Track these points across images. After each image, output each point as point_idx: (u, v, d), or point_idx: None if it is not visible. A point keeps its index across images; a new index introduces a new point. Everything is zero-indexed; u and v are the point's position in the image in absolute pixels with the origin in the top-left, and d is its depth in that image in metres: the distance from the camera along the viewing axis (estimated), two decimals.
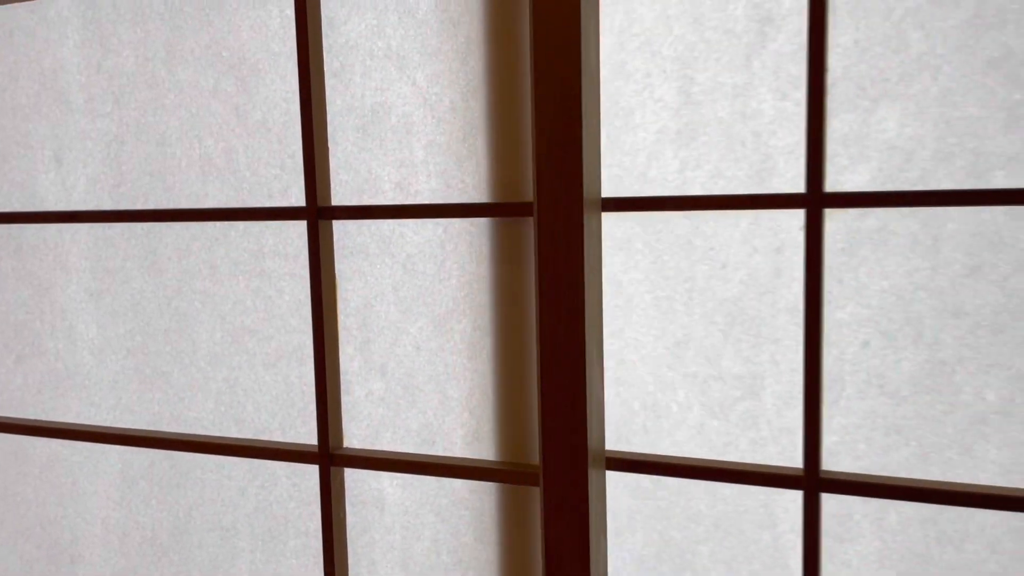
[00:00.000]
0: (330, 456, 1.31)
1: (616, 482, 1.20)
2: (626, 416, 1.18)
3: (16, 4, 1.45)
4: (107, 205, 1.43)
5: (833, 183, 1.04)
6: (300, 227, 1.32)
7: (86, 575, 1.53)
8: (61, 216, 1.43)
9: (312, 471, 1.36)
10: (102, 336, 1.47)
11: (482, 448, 1.26)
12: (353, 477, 1.34)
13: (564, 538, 1.12)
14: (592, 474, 1.12)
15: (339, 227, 1.30)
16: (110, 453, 1.49)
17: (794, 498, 1.11)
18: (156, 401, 1.44)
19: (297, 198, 1.31)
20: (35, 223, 1.47)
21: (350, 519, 1.35)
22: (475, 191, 1.22)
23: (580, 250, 1.08)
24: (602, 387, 1.16)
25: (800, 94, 1.05)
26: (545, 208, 1.09)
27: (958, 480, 1.04)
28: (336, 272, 1.31)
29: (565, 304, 1.09)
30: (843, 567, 1.09)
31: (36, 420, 1.53)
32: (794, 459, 1.10)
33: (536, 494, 1.23)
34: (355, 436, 1.33)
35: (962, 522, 1.04)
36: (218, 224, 1.37)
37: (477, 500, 1.27)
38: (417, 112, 1.23)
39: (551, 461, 1.12)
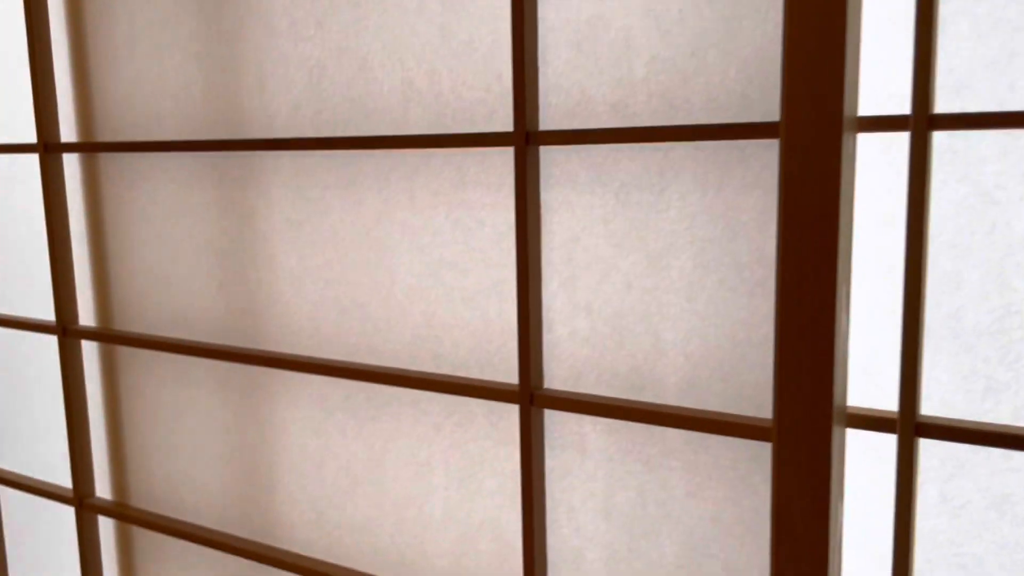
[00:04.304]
0: (531, 396, 1.24)
1: None
2: None
3: None
4: (308, 132, 1.41)
5: None
6: (505, 154, 1.24)
7: (282, 501, 1.56)
8: (263, 144, 1.42)
9: (511, 411, 1.30)
10: (301, 266, 1.46)
11: (697, 397, 1.15)
12: (553, 419, 1.27)
13: (799, 500, 1.01)
14: (835, 432, 0.99)
15: (545, 154, 1.21)
16: (308, 382, 1.50)
17: None
18: (353, 332, 1.43)
19: (504, 123, 1.23)
20: (238, 151, 1.47)
21: (549, 463, 1.28)
22: (702, 112, 1.09)
23: (836, 177, 0.94)
24: (848, 335, 1.03)
25: None
26: (795, 129, 0.95)
27: None
28: (541, 202, 1.23)
29: (814, 240, 0.96)
30: None
31: (236, 347, 1.56)
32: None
33: (762, 450, 1.12)
34: (556, 377, 1.26)
35: None
36: (419, 152, 1.31)
37: (691, 452, 1.17)
38: (639, 24, 1.12)
39: (788, 415, 1.00)
